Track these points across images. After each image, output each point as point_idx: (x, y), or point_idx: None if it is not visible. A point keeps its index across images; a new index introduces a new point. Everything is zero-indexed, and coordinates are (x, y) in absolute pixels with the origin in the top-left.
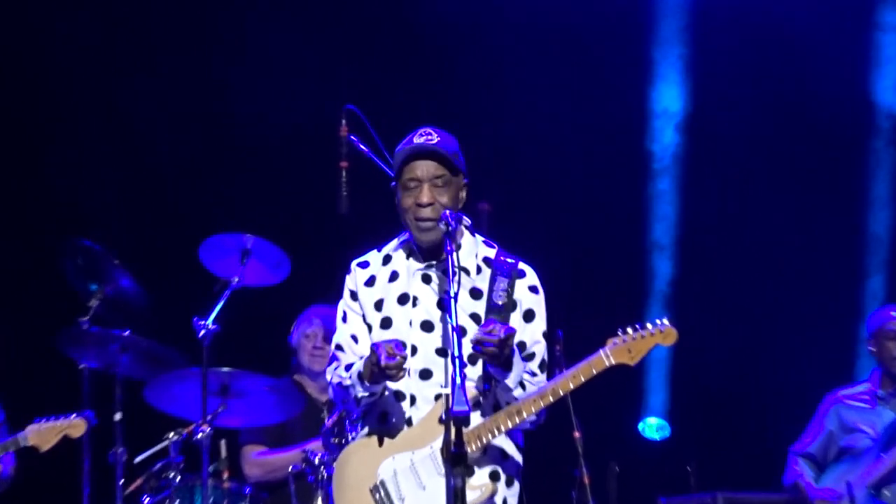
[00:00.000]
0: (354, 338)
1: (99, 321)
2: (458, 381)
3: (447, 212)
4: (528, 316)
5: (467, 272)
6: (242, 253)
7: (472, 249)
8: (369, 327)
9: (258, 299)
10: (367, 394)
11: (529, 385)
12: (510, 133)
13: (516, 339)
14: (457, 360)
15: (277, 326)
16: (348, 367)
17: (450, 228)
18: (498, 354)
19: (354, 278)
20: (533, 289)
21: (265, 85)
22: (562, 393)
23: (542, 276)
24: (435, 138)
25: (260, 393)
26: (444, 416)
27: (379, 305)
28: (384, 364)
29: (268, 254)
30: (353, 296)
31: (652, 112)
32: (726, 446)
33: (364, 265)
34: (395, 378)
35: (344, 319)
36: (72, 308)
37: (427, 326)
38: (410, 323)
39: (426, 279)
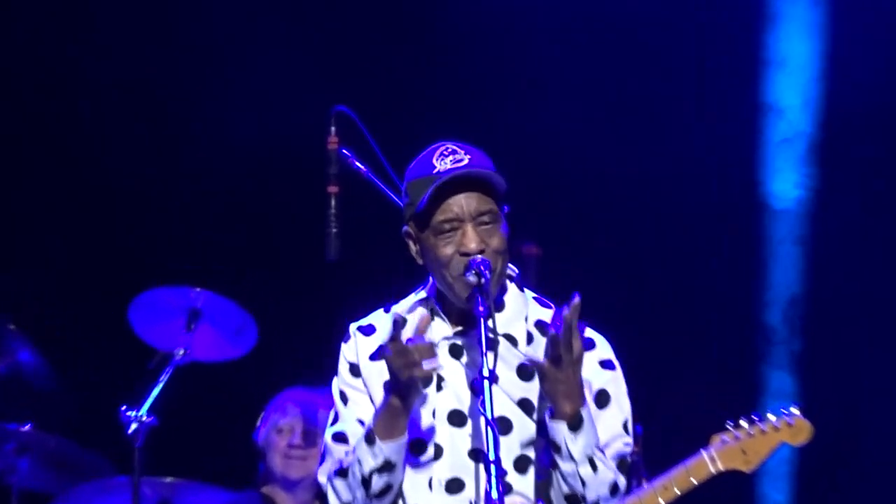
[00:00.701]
0: (363, 424)
1: None
2: (496, 495)
3: (478, 258)
4: (602, 400)
5: (514, 342)
6: (190, 314)
7: (521, 310)
8: None
9: (212, 379)
10: (378, 463)
11: (603, 467)
12: (562, 143)
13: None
14: (493, 467)
15: (238, 418)
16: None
17: (482, 281)
18: (566, 357)
19: (355, 348)
20: (606, 364)
21: (221, 88)
22: None
23: (616, 346)
24: (465, 157)
25: None
26: None
27: (390, 388)
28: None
29: (225, 316)
30: (355, 370)
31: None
32: None
33: (368, 331)
34: (416, 381)
35: (344, 401)
36: None
37: (457, 419)
38: (434, 413)
39: (455, 352)
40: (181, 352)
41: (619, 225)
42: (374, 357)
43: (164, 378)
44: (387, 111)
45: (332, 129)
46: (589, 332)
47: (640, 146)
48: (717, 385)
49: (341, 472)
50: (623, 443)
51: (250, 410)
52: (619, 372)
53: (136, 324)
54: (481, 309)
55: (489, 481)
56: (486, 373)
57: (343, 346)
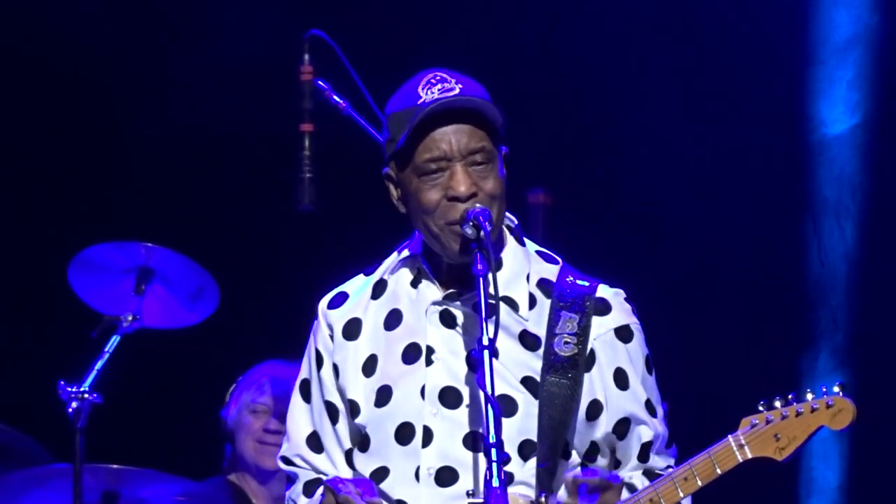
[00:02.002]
0: (315, 441)
1: None
2: (497, 483)
3: (476, 207)
4: (620, 379)
5: (514, 306)
6: (139, 274)
7: (522, 268)
8: (353, 407)
9: (165, 350)
10: None
11: None
12: (574, 73)
13: (602, 430)
14: (494, 451)
15: (197, 395)
16: (309, 492)
17: (481, 233)
18: None
19: (324, 328)
20: (623, 332)
21: (175, 7)
22: None
23: (639, 306)
24: (456, 86)
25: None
26: None
27: (370, 367)
28: None
29: (181, 276)
30: (320, 361)
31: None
32: None
33: (339, 302)
34: None
35: (306, 398)
36: None
37: (450, 398)
38: (423, 392)
39: (448, 319)
40: (130, 318)
41: (641, 169)
42: (348, 334)
43: (109, 348)
44: (370, 36)
45: (306, 57)
46: (602, 291)
47: (668, 74)
48: (757, 354)
49: None
50: (655, 426)
51: (210, 386)
52: (637, 342)
53: (76, 285)
54: (480, 267)
55: (489, 468)
56: (485, 341)
57: (314, 324)
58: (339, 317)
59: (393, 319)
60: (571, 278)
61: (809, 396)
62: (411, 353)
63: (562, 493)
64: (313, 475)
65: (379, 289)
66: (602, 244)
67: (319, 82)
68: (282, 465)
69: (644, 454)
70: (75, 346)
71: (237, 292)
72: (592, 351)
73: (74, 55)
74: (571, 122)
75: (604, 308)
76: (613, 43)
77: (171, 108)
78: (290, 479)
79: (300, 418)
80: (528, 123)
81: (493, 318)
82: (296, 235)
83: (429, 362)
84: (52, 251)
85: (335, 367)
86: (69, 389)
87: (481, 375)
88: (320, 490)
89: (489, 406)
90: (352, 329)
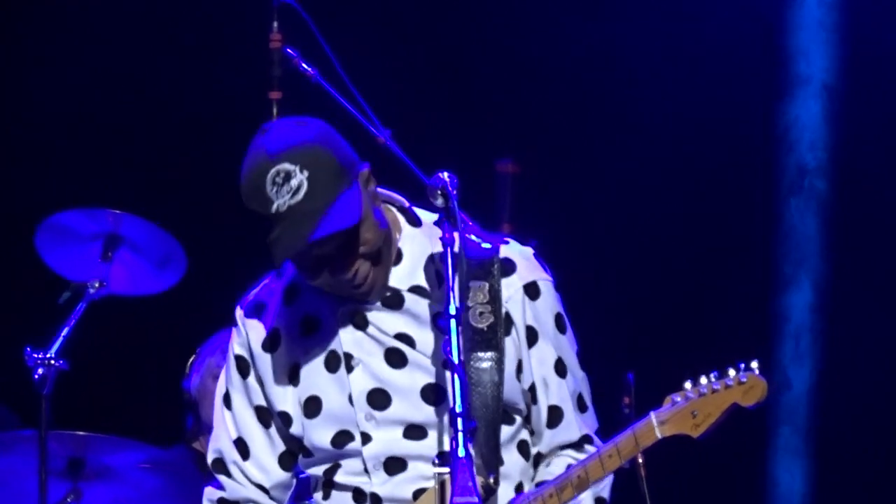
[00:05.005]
0: (241, 446)
1: None
2: (464, 452)
3: (445, 175)
4: (532, 337)
5: (423, 293)
6: (107, 241)
7: (423, 250)
8: (284, 418)
9: (132, 317)
10: None
11: None
12: (543, 41)
13: (514, 391)
14: (460, 421)
15: (163, 362)
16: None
17: (450, 204)
18: None
19: (244, 336)
20: (531, 289)
21: None
22: (591, 482)
23: (606, 274)
24: (301, 190)
25: (134, 471)
26: None
27: (294, 376)
28: None
29: (148, 242)
30: (243, 367)
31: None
32: None
33: (254, 310)
34: None
35: (227, 405)
36: None
37: (379, 400)
38: (350, 399)
39: (358, 322)
40: (97, 284)
41: (609, 137)
42: (267, 346)
43: (76, 315)
44: (338, 3)
45: (275, 24)
46: (505, 251)
47: (637, 42)
48: (727, 321)
49: None
50: (573, 387)
51: (177, 353)
52: (545, 298)
53: (43, 251)
54: (447, 236)
55: (455, 438)
56: (452, 311)
57: (233, 332)
58: (258, 326)
59: (308, 325)
60: (475, 239)
61: (732, 373)
62: (332, 361)
63: None
64: (236, 490)
65: (291, 294)
66: (569, 213)
67: (288, 50)
68: (214, 470)
69: (551, 419)
70: (42, 312)
71: (204, 260)
72: (508, 314)
73: (43, 16)
74: (539, 91)
75: (509, 268)
76: (584, 10)
77: (141, 77)
78: (213, 484)
79: (225, 424)
80: (497, 93)
81: (460, 283)
82: None
83: (349, 369)
84: (19, 217)
85: (259, 378)
86: (35, 356)
87: (447, 344)
88: None
89: (455, 375)
90: (270, 340)
